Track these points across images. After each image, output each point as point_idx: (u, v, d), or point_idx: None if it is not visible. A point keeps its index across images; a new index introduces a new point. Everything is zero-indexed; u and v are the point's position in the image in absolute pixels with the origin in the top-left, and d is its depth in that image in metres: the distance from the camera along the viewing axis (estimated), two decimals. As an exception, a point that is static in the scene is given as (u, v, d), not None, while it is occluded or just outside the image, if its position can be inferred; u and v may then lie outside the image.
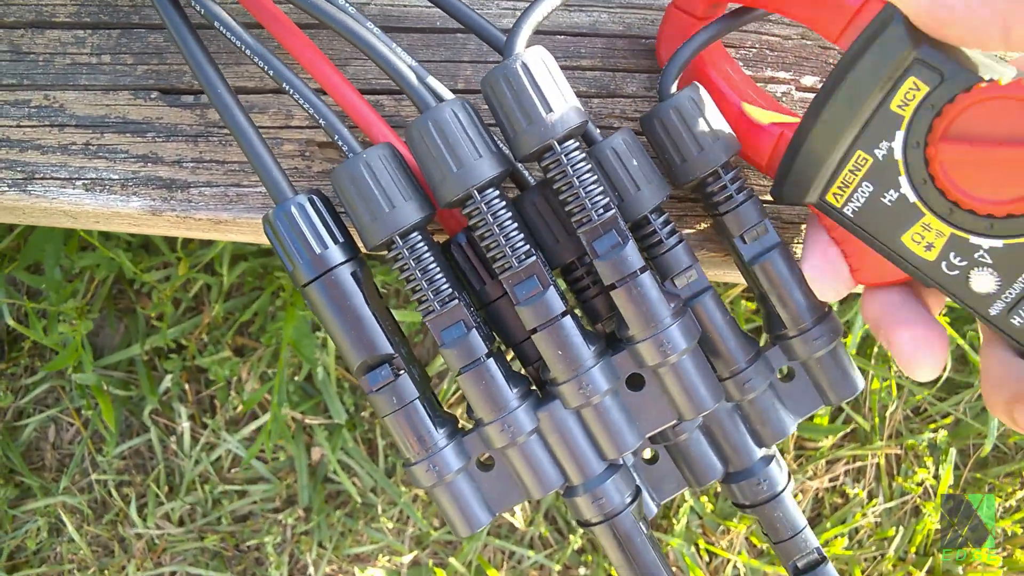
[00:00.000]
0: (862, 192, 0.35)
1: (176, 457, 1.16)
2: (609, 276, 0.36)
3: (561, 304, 0.36)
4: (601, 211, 0.35)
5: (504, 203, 0.36)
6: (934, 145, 0.32)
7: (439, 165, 0.35)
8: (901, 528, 1.15)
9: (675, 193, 0.44)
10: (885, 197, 0.34)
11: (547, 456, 0.38)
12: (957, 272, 0.33)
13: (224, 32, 0.38)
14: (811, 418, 1.13)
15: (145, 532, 1.15)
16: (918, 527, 1.16)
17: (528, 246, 0.36)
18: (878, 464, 1.17)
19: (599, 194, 0.36)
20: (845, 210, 0.35)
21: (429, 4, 0.42)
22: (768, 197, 0.43)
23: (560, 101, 0.35)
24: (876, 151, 0.34)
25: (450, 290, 0.36)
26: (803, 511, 1.16)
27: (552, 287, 0.36)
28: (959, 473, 1.19)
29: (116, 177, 0.43)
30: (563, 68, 0.43)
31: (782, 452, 1.15)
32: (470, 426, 0.38)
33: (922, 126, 0.32)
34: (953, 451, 1.14)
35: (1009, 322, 0.33)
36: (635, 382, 0.38)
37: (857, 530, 1.17)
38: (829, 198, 0.36)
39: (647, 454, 0.43)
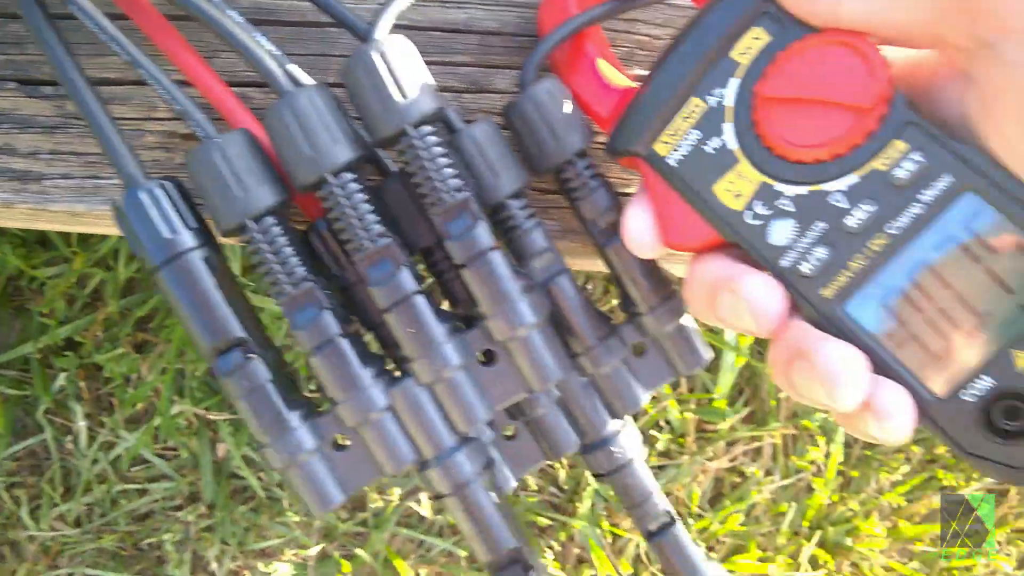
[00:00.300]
0: (689, 140, 0.35)
1: (73, 457, 1.14)
2: (460, 256, 0.37)
3: (413, 284, 0.37)
4: (454, 193, 0.37)
5: (359, 187, 0.37)
6: (761, 90, 0.33)
7: (294, 149, 0.36)
8: (794, 504, 1.19)
9: (540, 185, 0.45)
10: (708, 145, 0.35)
11: (400, 433, 0.39)
12: (759, 222, 0.34)
13: (84, 20, 0.38)
14: (710, 402, 1.17)
15: (39, 535, 1.13)
16: (810, 502, 1.20)
17: (382, 228, 0.37)
18: (774, 444, 1.21)
19: (452, 177, 0.37)
20: (669, 160, 0.36)
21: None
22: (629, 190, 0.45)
23: (415, 88, 0.36)
24: (709, 98, 0.35)
25: (303, 272, 0.37)
26: (704, 492, 1.20)
27: (406, 268, 0.37)
28: (850, 451, 1.24)
29: (-34, 169, 0.42)
30: (437, 63, 0.44)
31: (684, 435, 1.18)
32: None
33: (755, 73, 0.34)
34: (842, 430, 1.19)
35: (797, 270, 0.34)
36: (486, 357, 0.39)
37: (754, 506, 1.21)
38: (657, 147, 0.36)
39: (508, 431, 0.45)
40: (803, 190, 0.33)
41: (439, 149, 0.36)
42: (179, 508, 1.15)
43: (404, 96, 0.36)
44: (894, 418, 0.32)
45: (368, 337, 0.41)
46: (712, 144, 0.35)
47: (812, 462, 1.20)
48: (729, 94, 0.34)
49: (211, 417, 1.11)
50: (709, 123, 0.35)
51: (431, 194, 0.37)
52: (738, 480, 1.22)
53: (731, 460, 1.21)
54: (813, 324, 0.34)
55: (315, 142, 0.35)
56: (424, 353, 0.37)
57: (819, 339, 0.33)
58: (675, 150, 0.36)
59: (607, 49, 0.44)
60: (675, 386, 1.19)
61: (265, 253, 0.37)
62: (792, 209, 0.34)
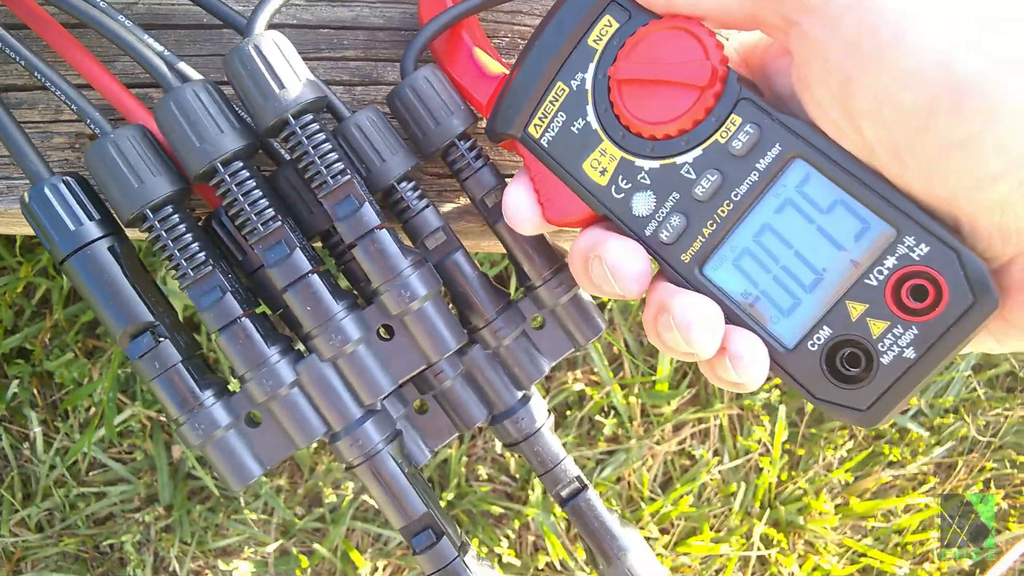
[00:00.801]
0: (557, 121, 0.38)
1: (30, 463, 1.15)
2: (349, 235, 0.39)
3: (308, 264, 0.39)
4: (337, 176, 0.39)
5: (249, 174, 0.39)
6: (614, 73, 0.36)
7: (183, 141, 0.38)
8: (744, 484, 1.22)
9: (435, 170, 0.47)
10: (574, 125, 0.38)
11: (309, 407, 0.41)
12: (623, 195, 0.37)
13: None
14: (653, 384, 1.19)
15: (0, 540, 1.14)
16: (759, 481, 1.23)
17: (274, 212, 0.39)
18: (720, 425, 1.24)
19: (335, 162, 0.39)
20: (542, 140, 0.39)
21: (193, 3, 0.45)
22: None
23: (293, 79, 0.38)
24: (572, 82, 0.38)
25: (203, 257, 0.39)
26: (654, 476, 1.22)
27: (299, 249, 0.39)
28: (796, 430, 1.27)
29: None
30: (327, 59, 0.47)
31: (631, 419, 1.21)
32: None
33: (608, 58, 0.37)
34: (783, 408, 1.22)
35: (658, 238, 0.37)
36: (385, 332, 0.41)
37: (704, 488, 1.23)
38: (531, 129, 0.39)
39: (418, 405, 0.47)
40: (656, 164, 0.36)
41: (320, 136, 0.39)
42: (138, 510, 1.16)
43: (283, 86, 0.38)
44: (749, 363, 0.35)
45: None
46: (577, 124, 0.38)
47: (759, 441, 1.23)
48: (588, 78, 0.37)
49: (164, 419, 1.13)
50: (573, 105, 0.38)
51: (316, 178, 0.39)
52: (687, 463, 1.25)
53: (679, 443, 1.24)
54: (679, 287, 0.37)
55: (201, 133, 0.38)
56: (323, 329, 0.40)
57: (676, 293, 0.36)
58: (546, 131, 0.39)
59: (484, 39, 0.46)
60: (617, 371, 1.21)
61: (165, 240, 0.39)
62: (649, 182, 0.37)
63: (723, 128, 0.35)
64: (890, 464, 1.29)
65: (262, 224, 0.39)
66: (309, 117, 0.39)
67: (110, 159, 0.38)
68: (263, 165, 0.45)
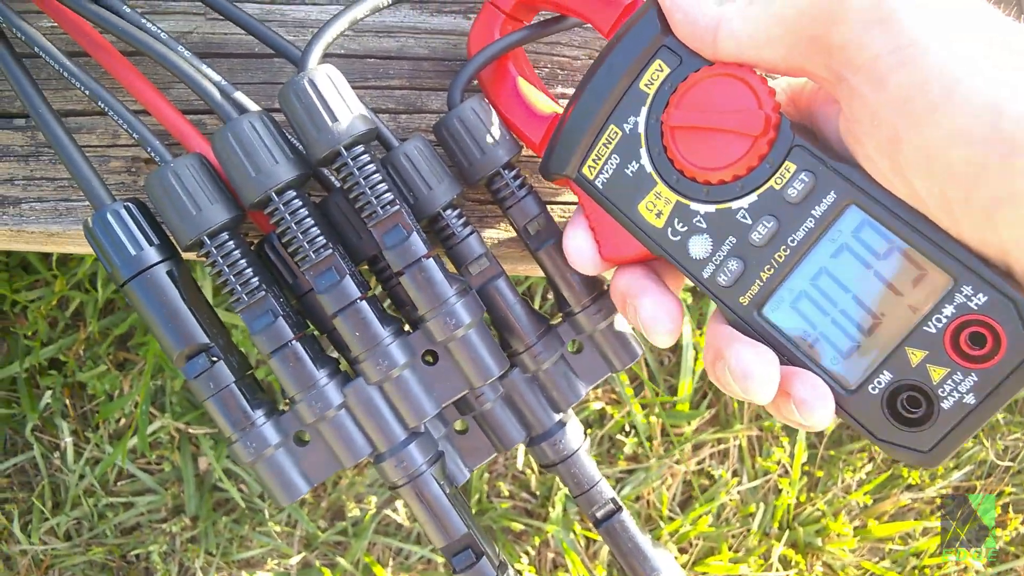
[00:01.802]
0: (611, 164, 0.39)
1: (61, 472, 1.17)
2: (397, 264, 0.41)
3: (357, 290, 0.41)
4: (387, 206, 0.40)
5: (302, 203, 0.40)
6: (667, 119, 0.37)
7: (239, 171, 0.39)
8: (763, 505, 1.22)
9: (476, 196, 0.49)
10: (628, 168, 0.39)
11: (356, 428, 0.42)
12: (679, 238, 0.38)
13: (46, 59, 0.42)
14: (674, 406, 1.20)
15: (30, 548, 1.16)
16: (778, 503, 1.23)
17: (325, 240, 0.40)
18: (740, 446, 1.25)
19: (384, 192, 0.40)
20: (596, 182, 0.40)
21: (246, 32, 0.47)
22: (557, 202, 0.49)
23: (345, 111, 0.39)
24: (625, 125, 0.39)
25: (257, 282, 0.41)
26: (673, 495, 1.23)
27: (349, 276, 0.41)
28: (815, 451, 1.27)
29: (-53, 196, 0.46)
30: (373, 87, 0.48)
31: (651, 439, 1.22)
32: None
33: (661, 102, 0.38)
34: (802, 430, 1.22)
35: (716, 281, 0.38)
36: (430, 357, 0.43)
37: (723, 508, 1.24)
38: (585, 171, 0.40)
39: (458, 426, 0.48)
40: (712, 208, 0.37)
41: (371, 167, 0.40)
42: (164, 520, 1.18)
43: (335, 119, 0.39)
44: (812, 407, 0.35)
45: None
46: (631, 167, 0.39)
47: (778, 462, 1.24)
48: (641, 121, 0.38)
49: (192, 431, 1.14)
50: (627, 148, 0.39)
51: (366, 208, 0.40)
52: (706, 483, 1.25)
53: (698, 463, 1.24)
54: (738, 328, 0.38)
55: (257, 164, 0.39)
56: (371, 354, 0.41)
57: (732, 341, 0.37)
58: (600, 173, 0.40)
59: (529, 68, 0.48)
60: (638, 390, 1.22)
61: (221, 266, 0.40)
62: (705, 226, 0.38)
63: (777, 175, 0.36)
64: (909, 487, 1.30)
65: (314, 252, 0.40)
66: (360, 148, 0.40)
67: (170, 187, 0.39)
68: (312, 190, 0.47)
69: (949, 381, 0.34)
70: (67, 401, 1.15)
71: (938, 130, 0.30)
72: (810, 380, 0.36)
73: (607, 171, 0.39)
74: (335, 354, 0.45)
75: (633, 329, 0.47)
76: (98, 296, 1.05)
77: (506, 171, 0.44)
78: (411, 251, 0.41)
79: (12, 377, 1.14)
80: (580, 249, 0.41)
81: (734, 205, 0.37)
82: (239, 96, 0.43)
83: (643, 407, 1.21)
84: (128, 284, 0.40)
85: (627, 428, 1.22)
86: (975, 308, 0.33)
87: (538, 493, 1.21)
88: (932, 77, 0.30)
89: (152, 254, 0.40)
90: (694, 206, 0.38)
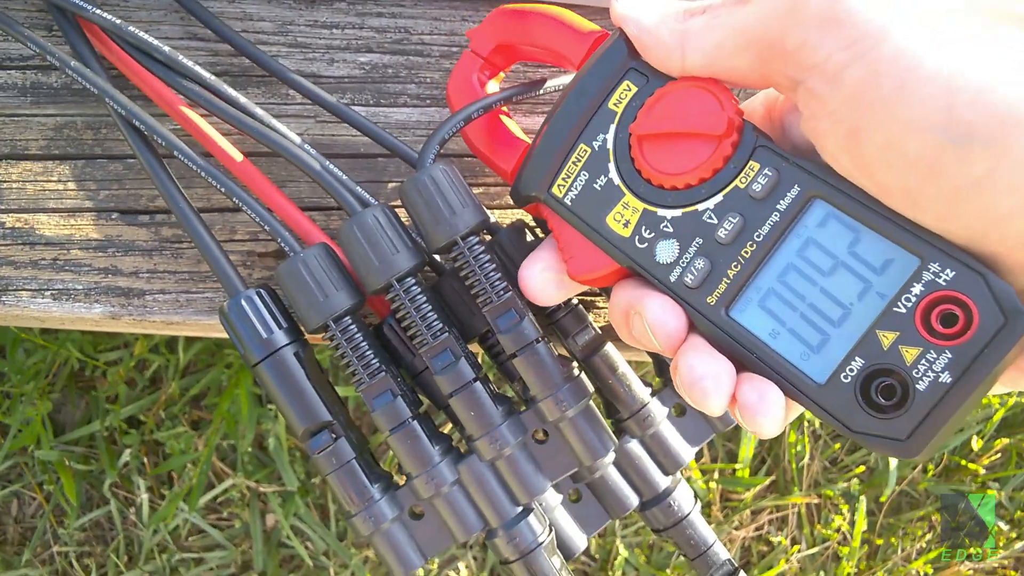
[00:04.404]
0: (580, 180, 0.40)
1: (135, 528, 1.19)
2: (511, 347, 0.43)
3: (471, 372, 0.43)
4: (501, 292, 0.43)
5: (420, 289, 0.43)
6: (635, 130, 0.38)
7: (363, 260, 0.42)
8: (823, 573, 1.22)
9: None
10: (597, 182, 0.40)
11: (468, 504, 0.44)
12: (646, 245, 0.38)
13: (182, 159, 0.46)
14: (733, 472, 1.21)
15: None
16: (838, 571, 1.23)
17: (441, 324, 0.43)
18: (799, 513, 1.24)
19: (498, 279, 0.43)
20: (565, 199, 0.40)
21: (355, 133, 0.50)
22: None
23: (461, 205, 0.42)
24: (594, 143, 0.40)
25: (378, 364, 0.43)
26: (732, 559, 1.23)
27: (464, 358, 0.43)
28: (874, 519, 1.27)
29: (80, 288, 0.49)
30: (470, 183, 0.51)
31: (710, 504, 1.22)
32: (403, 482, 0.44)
33: (628, 118, 0.39)
34: (864, 499, 1.22)
35: (683, 283, 0.38)
36: (542, 435, 0.45)
37: (783, 575, 1.23)
38: (554, 190, 0.41)
39: (573, 496, 0.50)
40: (679, 212, 0.38)
41: (485, 257, 0.42)
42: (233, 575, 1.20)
43: (453, 212, 0.42)
44: (760, 412, 0.35)
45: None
46: (600, 182, 0.40)
47: (837, 530, 1.23)
48: (609, 137, 0.40)
49: (262, 489, 1.17)
50: (596, 164, 0.40)
51: (481, 294, 0.43)
52: (765, 549, 1.25)
53: (757, 529, 1.24)
54: (707, 332, 0.38)
55: (380, 253, 0.42)
56: (484, 433, 0.43)
57: (684, 351, 0.37)
58: (569, 190, 0.41)
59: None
60: (698, 456, 1.23)
61: (345, 348, 0.43)
62: (672, 230, 0.38)
63: (742, 174, 0.36)
64: (969, 557, 1.28)
65: (432, 336, 0.43)
66: (475, 239, 0.43)
67: (299, 275, 0.42)
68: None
69: (923, 361, 0.33)
70: (144, 459, 1.18)
71: (893, 123, 0.30)
72: (756, 383, 0.35)
73: (576, 187, 0.40)
74: (447, 427, 0.47)
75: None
76: (179, 359, 1.09)
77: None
78: (523, 335, 0.43)
79: (90, 435, 1.18)
80: (534, 278, 0.42)
81: (700, 207, 0.37)
82: (360, 191, 0.46)
83: (703, 472, 1.22)
84: (259, 365, 0.43)
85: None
86: (944, 284, 0.32)
87: (597, 556, 1.22)
88: (883, 70, 0.30)
89: (281, 337, 0.43)
90: (661, 212, 0.38)
